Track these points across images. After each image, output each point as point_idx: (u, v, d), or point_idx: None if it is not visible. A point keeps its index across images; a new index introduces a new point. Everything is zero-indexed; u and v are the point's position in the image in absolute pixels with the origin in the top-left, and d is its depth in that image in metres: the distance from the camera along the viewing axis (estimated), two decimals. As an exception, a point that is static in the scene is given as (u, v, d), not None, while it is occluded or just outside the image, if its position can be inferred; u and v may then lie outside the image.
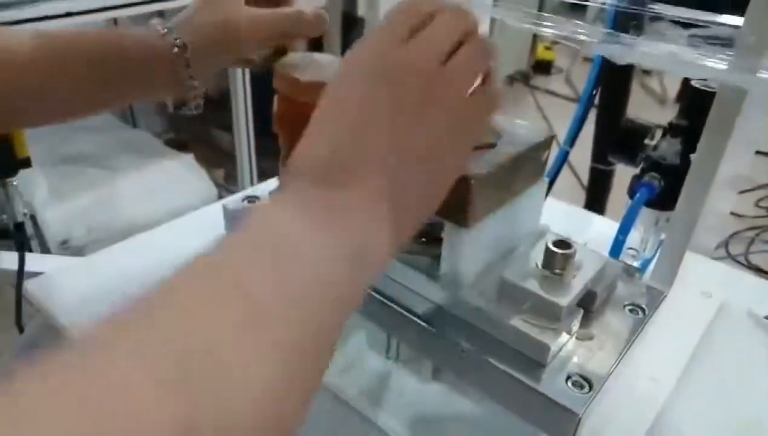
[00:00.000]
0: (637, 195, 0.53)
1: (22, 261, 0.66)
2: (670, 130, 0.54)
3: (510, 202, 0.43)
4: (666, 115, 0.60)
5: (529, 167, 0.44)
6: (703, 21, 0.45)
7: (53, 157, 1.73)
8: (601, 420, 0.47)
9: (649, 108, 2.91)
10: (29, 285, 0.64)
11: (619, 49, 0.44)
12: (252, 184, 1.75)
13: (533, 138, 0.44)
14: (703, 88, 0.52)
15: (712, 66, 0.38)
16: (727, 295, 0.64)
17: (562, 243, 0.41)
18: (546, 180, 0.47)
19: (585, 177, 1.31)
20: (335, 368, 0.52)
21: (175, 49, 0.44)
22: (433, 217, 0.46)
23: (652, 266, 0.56)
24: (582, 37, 0.44)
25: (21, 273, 0.66)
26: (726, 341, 0.60)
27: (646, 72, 3.11)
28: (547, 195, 0.69)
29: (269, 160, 1.71)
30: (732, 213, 2.03)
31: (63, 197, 1.61)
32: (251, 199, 0.53)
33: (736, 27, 0.40)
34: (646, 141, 0.56)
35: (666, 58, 0.41)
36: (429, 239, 0.45)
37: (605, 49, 0.43)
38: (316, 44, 1.86)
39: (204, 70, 0.46)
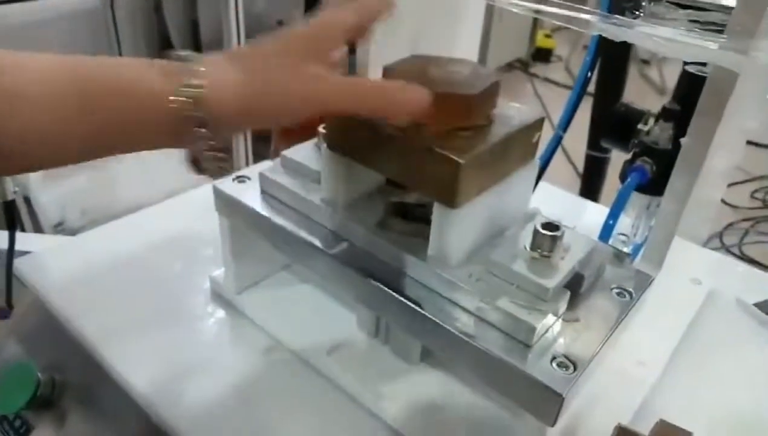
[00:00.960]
0: (628, 179, 0.53)
1: (12, 239, 0.66)
2: (663, 115, 0.53)
3: (499, 183, 0.43)
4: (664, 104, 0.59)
5: (519, 149, 0.44)
6: (700, 2, 0.45)
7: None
8: (588, 403, 0.47)
9: (648, 97, 2.90)
10: (19, 263, 0.64)
11: (615, 29, 0.43)
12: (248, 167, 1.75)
13: (524, 119, 0.43)
14: (697, 73, 0.52)
15: (703, 46, 0.38)
16: (716, 282, 0.64)
17: (551, 225, 0.41)
18: (537, 162, 0.46)
19: (581, 165, 1.31)
20: (323, 348, 0.52)
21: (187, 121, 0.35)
22: (422, 196, 0.46)
23: (640, 253, 0.56)
24: (579, 16, 0.43)
25: (11, 251, 0.66)
26: (714, 327, 0.60)
27: (645, 61, 3.10)
28: (539, 179, 0.69)
29: (264, 144, 1.70)
30: (727, 204, 2.04)
31: (57, 179, 1.60)
32: (241, 179, 0.53)
33: (730, 9, 0.40)
34: (640, 126, 0.56)
35: (659, 38, 0.40)
36: (417, 220, 0.45)
37: (601, 28, 0.43)
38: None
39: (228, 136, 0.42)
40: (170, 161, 1.79)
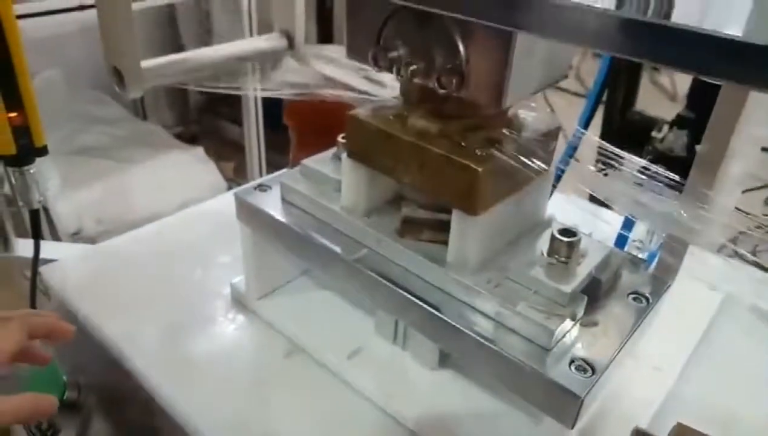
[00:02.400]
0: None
1: (37, 248, 0.68)
2: (678, 122, 0.54)
3: (517, 191, 0.44)
4: (676, 112, 0.60)
5: (536, 157, 0.45)
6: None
7: (64, 149, 1.75)
8: (605, 407, 0.48)
9: (660, 105, 2.89)
10: (44, 271, 0.66)
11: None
12: (261, 177, 1.76)
13: (540, 128, 0.44)
14: (711, 80, 0.53)
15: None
16: (730, 288, 0.64)
17: (568, 231, 0.41)
18: (552, 170, 0.47)
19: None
20: (343, 353, 0.53)
21: None
22: (442, 204, 0.47)
23: (656, 260, 0.56)
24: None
25: (36, 259, 0.68)
26: (729, 333, 0.60)
27: (656, 68, 3.10)
28: (555, 187, 0.69)
29: (278, 154, 1.72)
30: (740, 211, 2.02)
31: (74, 189, 1.63)
32: (263, 187, 0.54)
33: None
34: (654, 133, 0.57)
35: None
36: (436, 227, 0.46)
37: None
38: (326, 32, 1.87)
39: None
40: (183, 173, 1.81)
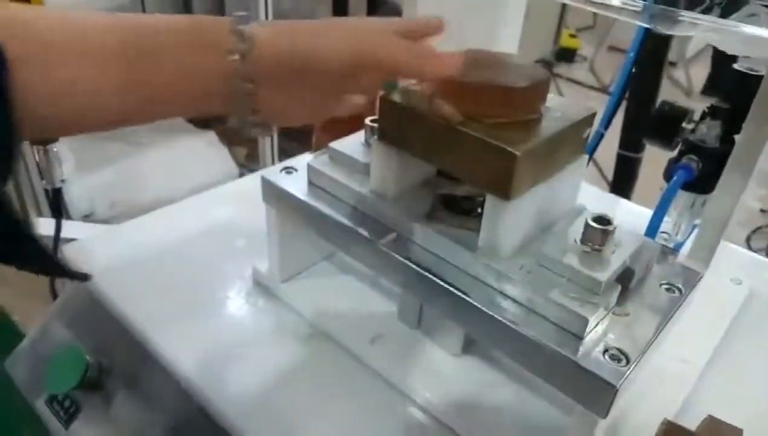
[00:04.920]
0: (675, 177, 0.53)
1: (58, 226, 0.68)
2: (711, 113, 0.53)
3: (551, 176, 0.43)
4: (692, 106, 0.59)
5: (570, 143, 0.44)
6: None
7: (79, 131, 1.75)
8: (633, 398, 0.47)
9: (676, 99, 2.85)
10: (66, 250, 0.66)
11: (662, 19, 0.43)
12: (273, 163, 1.76)
13: (576, 114, 0.44)
14: (746, 71, 0.52)
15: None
16: (756, 283, 0.64)
17: (602, 219, 0.41)
18: (586, 157, 0.47)
19: (604, 164, 1.31)
20: (365, 338, 0.53)
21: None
22: (472, 189, 0.46)
23: (684, 251, 0.56)
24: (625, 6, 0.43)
25: (57, 238, 0.68)
26: (754, 327, 0.60)
27: (672, 63, 3.07)
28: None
29: (291, 140, 1.71)
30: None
31: (87, 172, 1.63)
32: (289, 170, 0.54)
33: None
34: (684, 124, 0.56)
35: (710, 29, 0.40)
36: (466, 212, 0.45)
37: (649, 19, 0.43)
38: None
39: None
40: (195, 157, 1.81)
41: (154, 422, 0.53)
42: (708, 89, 2.79)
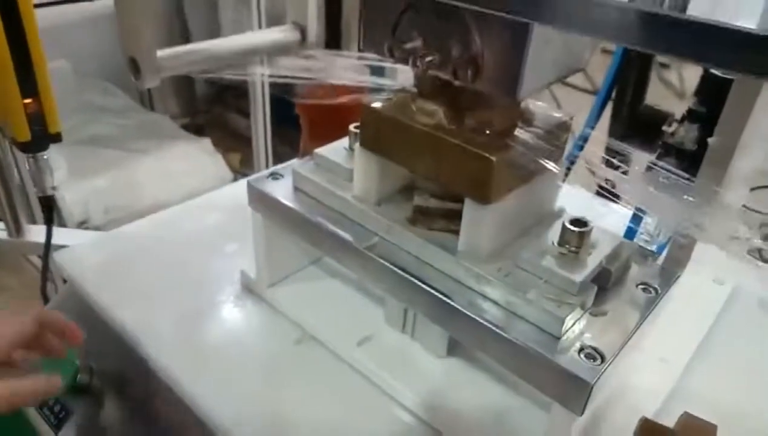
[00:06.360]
0: (653, 180, 0.53)
1: (49, 233, 0.68)
2: (689, 116, 0.54)
3: (529, 181, 0.44)
4: (684, 108, 0.60)
5: (548, 148, 0.45)
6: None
7: (72, 138, 1.75)
8: (612, 397, 0.48)
9: (668, 101, 2.88)
10: (57, 256, 0.67)
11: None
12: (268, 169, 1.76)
13: (553, 120, 0.45)
14: (718, 74, 0.53)
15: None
16: (738, 283, 0.65)
17: (579, 221, 0.42)
18: (564, 162, 0.48)
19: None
20: (352, 341, 0.54)
21: None
22: (453, 193, 0.47)
23: (665, 252, 0.57)
24: None
25: (48, 245, 0.69)
26: (736, 327, 0.61)
27: (664, 65, 3.08)
28: (564, 180, 0.69)
29: (285, 146, 1.72)
30: (747, 208, 2.02)
31: (82, 178, 1.64)
32: (275, 175, 0.54)
33: None
34: (664, 128, 0.57)
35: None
36: (448, 216, 0.46)
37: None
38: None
39: None
40: (190, 164, 1.82)
41: (143, 426, 0.54)
42: (700, 91, 2.80)
